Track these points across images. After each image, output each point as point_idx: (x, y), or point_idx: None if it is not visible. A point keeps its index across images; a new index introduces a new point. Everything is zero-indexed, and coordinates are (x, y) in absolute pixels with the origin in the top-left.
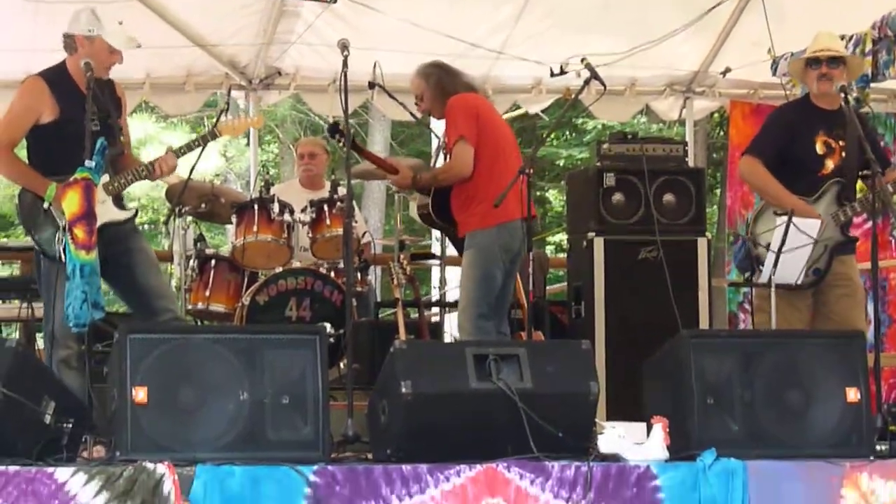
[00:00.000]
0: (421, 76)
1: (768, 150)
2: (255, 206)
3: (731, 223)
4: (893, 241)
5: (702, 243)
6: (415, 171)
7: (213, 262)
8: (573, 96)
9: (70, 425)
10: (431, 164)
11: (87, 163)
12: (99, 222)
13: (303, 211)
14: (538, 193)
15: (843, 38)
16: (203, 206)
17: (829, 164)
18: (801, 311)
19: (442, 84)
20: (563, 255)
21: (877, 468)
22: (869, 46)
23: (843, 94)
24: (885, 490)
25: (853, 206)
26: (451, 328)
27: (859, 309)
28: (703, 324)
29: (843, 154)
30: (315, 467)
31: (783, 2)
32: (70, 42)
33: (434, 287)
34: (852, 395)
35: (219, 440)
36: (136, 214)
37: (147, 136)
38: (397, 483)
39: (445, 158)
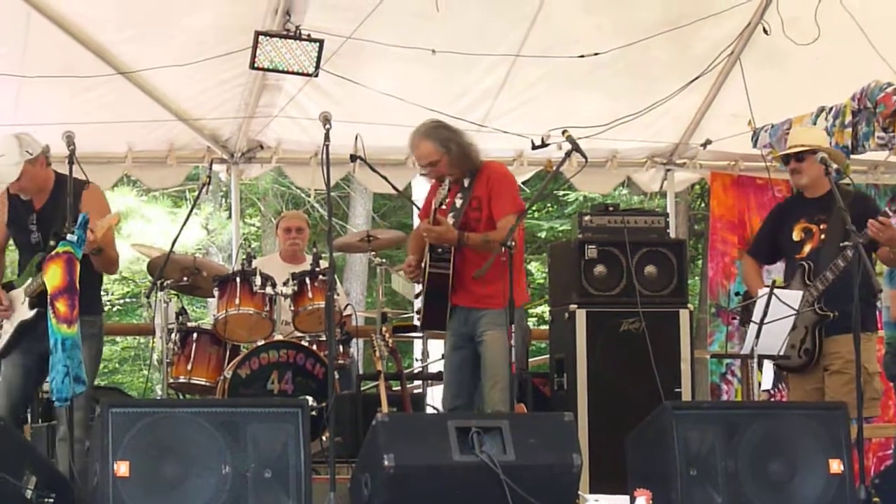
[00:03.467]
0: (436, 142)
1: (758, 246)
2: (237, 279)
3: (713, 294)
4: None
5: (684, 315)
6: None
7: (194, 335)
8: (555, 168)
9: (52, 500)
10: (434, 222)
11: (69, 237)
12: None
13: (284, 284)
14: None
15: (822, 109)
16: (185, 279)
17: (806, 248)
18: (810, 393)
19: (462, 147)
20: (545, 327)
21: None
22: (849, 118)
23: (824, 166)
24: None
25: (822, 278)
26: (434, 400)
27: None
28: (686, 395)
29: (823, 236)
30: None
31: (763, 74)
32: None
33: (416, 359)
34: (835, 466)
35: None
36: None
37: (129, 209)
38: None
39: (457, 220)
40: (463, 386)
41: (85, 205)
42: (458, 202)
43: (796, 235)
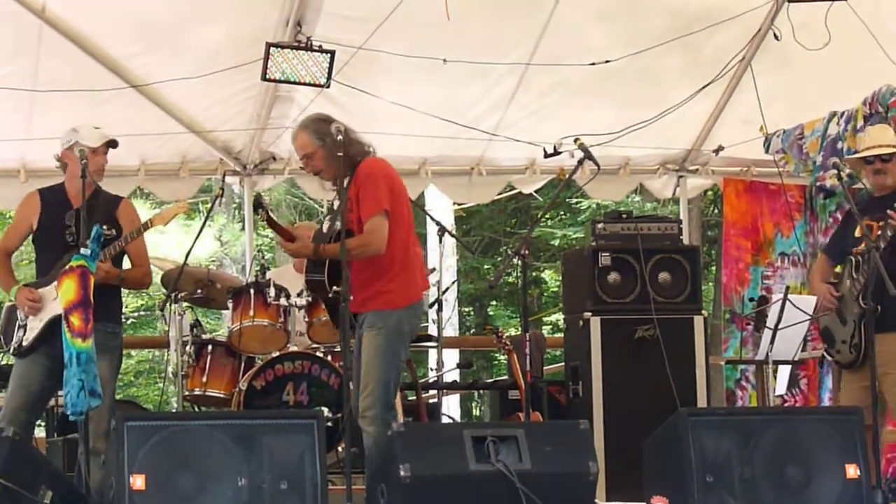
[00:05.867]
0: (312, 134)
1: (830, 244)
2: (251, 291)
3: (727, 301)
4: None
5: (698, 321)
6: (315, 241)
7: (209, 347)
8: (567, 176)
9: None
10: (323, 229)
11: (83, 250)
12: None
13: (298, 295)
14: (533, 274)
15: (834, 114)
16: (199, 291)
17: (863, 245)
18: (858, 391)
19: (339, 142)
20: (559, 335)
21: None
22: (860, 123)
23: (836, 171)
24: None
25: (863, 271)
26: (449, 410)
27: None
28: (701, 401)
29: (880, 232)
30: None
31: (774, 80)
32: (61, 162)
33: (431, 369)
34: (852, 471)
35: None
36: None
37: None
38: None
39: (332, 224)
40: None
41: (121, 217)
42: (336, 203)
43: (858, 232)
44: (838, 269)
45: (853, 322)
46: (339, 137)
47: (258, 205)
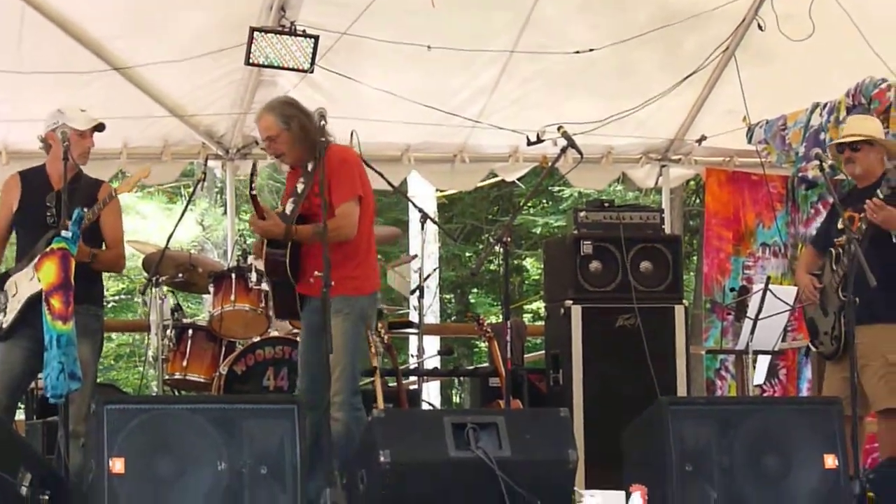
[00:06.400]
0: (278, 117)
1: (816, 236)
2: (233, 276)
3: (707, 290)
4: None
5: (679, 310)
6: (285, 222)
7: (190, 331)
8: (550, 164)
9: (47, 497)
10: (286, 212)
11: (64, 233)
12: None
13: None
14: (515, 261)
15: (817, 105)
16: (180, 275)
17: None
18: (839, 382)
19: (306, 129)
20: (540, 323)
21: None
22: (843, 114)
23: (818, 162)
24: None
25: (842, 264)
26: (429, 397)
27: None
28: (681, 391)
29: (862, 224)
30: None
31: (757, 70)
32: (44, 143)
33: (412, 355)
34: (830, 461)
35: None
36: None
37: (124, 205)
38: None
39: (296, 207)
40: (316, 381)
41: (100, 199)
42: (300, 187)
43: (841, 224)
44: None
45: (833, 314)
46: (322, 123)
47: (253, 172)
